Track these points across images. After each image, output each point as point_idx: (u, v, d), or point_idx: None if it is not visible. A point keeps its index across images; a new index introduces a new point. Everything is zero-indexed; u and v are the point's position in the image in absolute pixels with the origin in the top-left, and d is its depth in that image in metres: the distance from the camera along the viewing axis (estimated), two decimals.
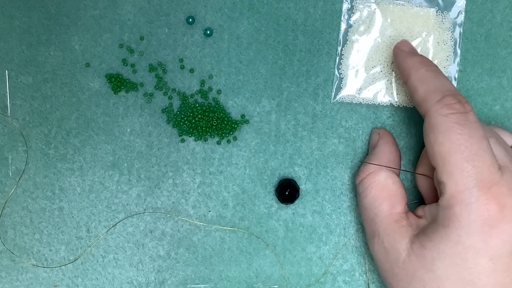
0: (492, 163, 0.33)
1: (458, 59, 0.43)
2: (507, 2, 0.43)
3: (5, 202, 0.42)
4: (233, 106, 0.43)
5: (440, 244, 0.34)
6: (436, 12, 0.42)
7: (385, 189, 0.38)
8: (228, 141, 0.43)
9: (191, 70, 0.43)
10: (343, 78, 0.43)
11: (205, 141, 0.43)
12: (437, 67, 0.38)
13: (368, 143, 0.43)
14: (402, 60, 0.39)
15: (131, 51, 0.42)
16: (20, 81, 0.42)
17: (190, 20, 0.42)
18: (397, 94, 0.43)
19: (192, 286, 0.43)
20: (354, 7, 0.42)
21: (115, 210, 0.43)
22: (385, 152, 0.40)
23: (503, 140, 0.38)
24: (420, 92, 0.36)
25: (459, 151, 0.33)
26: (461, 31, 0.43)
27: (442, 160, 0.34)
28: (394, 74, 0.42)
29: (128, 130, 0.43)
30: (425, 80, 0.37)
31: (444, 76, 0.37)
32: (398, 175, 0.40)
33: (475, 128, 0.34)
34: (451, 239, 0.33)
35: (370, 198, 0.38)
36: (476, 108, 0.43)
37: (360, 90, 0.43)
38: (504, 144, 0.37)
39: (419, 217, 0.37)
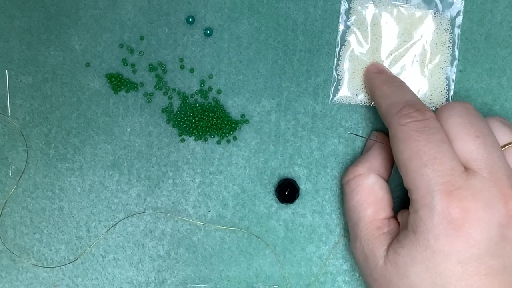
0: (453, 167, 0.33)
1: (456, 60, 0.43)
2: (507, 2, 0.43)
3: (5, 202, 0.42)
4: (233, 106, 0.43)
5: (411, 250, 0.34)
6: (434, 14, 0.42)
7: (371, 194, 0.38)
8: (228, 141, 0.43)
9: (191, 70, 0.43)
10: (340, 79, 0.43)
11: (205, 141, 0.43)
12: (402, 82, 0.40)
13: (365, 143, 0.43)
14: (368, 80, 0.41)
15: (131, 51, 0.42)
16: (20, 81, 0.42)
17: (190, 20, 0.42)
18: None
19: (192, 286, 0.43)
20: (352, 8, 0.42)
21: (115, 210, 0.43)
22: (377, 156, 0.40)
23: (495, 139, 0.36)
24: (383, 107, 0.38)
25: (417, 157, 0.34)
26: (459, 32, 0.43)
27: (404, 167, 0.35)
28: None
29: (128, 130, 0.43)
30: (387, 96, 0.38)
31: (407, 89, 0.39)
32: (387, 180, 0.40)
33: (434, 133, 0.34)
34: (421, 244, 0.33)
35: (355, 201, 0.39)
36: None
37: (357, 91, 0.43)
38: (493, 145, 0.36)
39: (399, 223, 0.38)
